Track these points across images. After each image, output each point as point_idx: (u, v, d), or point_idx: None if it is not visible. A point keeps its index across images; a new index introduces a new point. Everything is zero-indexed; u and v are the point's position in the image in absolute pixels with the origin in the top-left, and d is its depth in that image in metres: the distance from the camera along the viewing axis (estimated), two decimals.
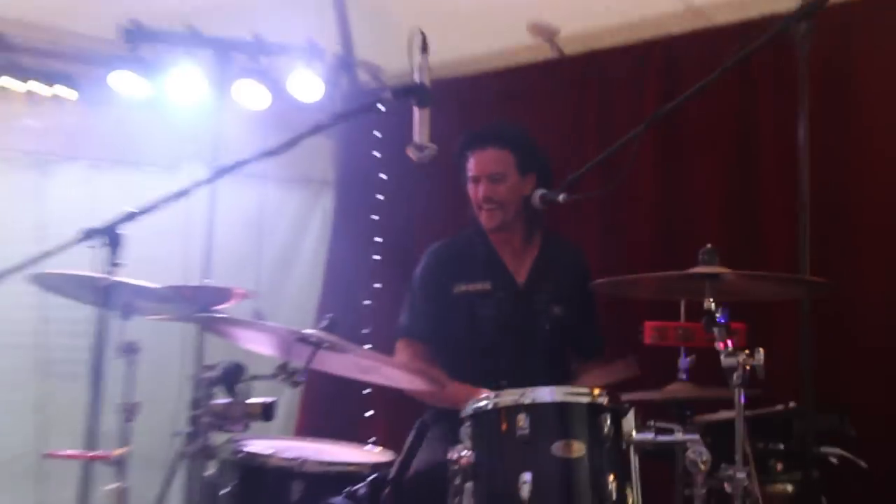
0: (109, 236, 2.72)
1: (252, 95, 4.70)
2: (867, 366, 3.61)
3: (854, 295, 3.54)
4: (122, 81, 4.55)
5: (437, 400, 3.37)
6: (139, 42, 4.52)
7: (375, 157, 5.15)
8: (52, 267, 3.18)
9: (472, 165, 3.56)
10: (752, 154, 3.98)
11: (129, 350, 3.27)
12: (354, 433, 4.49)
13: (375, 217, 5.17)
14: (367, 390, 4.94)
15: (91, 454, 2.51)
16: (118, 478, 3.00)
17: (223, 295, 3.47)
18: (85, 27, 4.67)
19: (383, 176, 5.15)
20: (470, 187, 3.58)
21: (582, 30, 4.51)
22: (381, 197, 5.16)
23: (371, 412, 4.93)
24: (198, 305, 3.37)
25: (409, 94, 2.70)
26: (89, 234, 2.71)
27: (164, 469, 3.72)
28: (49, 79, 4.58)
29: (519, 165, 3.53)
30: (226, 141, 4.68)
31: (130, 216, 2.74)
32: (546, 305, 3.53)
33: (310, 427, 4.80)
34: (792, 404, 3.21)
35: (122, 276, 2.82)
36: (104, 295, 2.68)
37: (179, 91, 4.64)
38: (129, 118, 4.81)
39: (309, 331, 2.72)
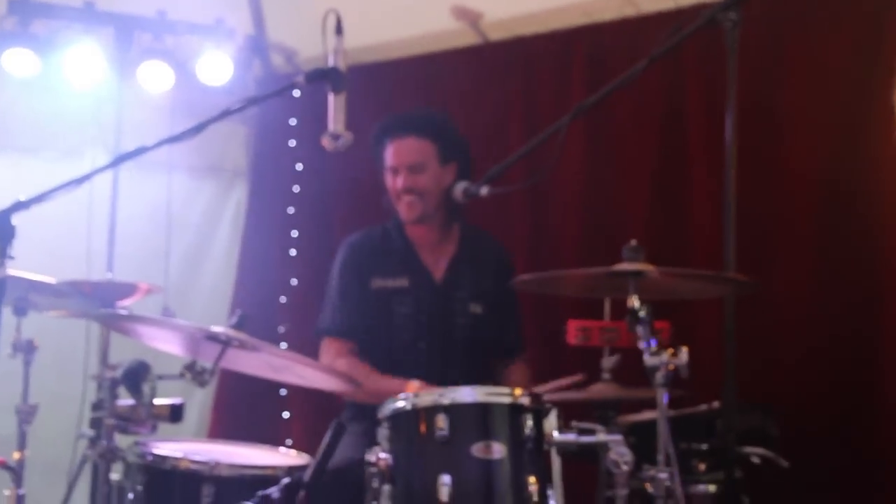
0: None
1: (157, 78, 4.65)
2: (790, 365, 3.76)
3: (778, 293, 3.67)
4: (14, 60, 4.45)
5: (364, 396, 3.34)
6: (30, 17, 4.43)
7: (291, 146, 5.14)
8: None
9: (390, 154, 3.57)
10: (680, 147, 4.09)
11: (26, 349, 3.23)
12: (270, 436, 4.47)
13: (291, 209, 5.16)
14: (283, 391, 4.94)
15: None
16: (15, 484, 2.96)
17: (127, 290, 3.45)
18: None
19: (299, 166, 5.14)
20: (388, 177, 3.59)
21: (507, 15, 4.58)
22: (297, 188, 5.16)
23: (287, 414, 4.94)
24: (100, 301, 3.34)
25: (323, 78, 2.69)
26: None
27: (66, 474, 3.70)
28: None
29: (440, 155, 3.55)
30: (129, 126, 4.63)
31: (22, 205, 2.65)
32: (464, 304, 3.57)
33: (223, 430, 4.78)
34: (715, 404, 3.33)
35: (14, 270, 2.74)
36: None
37: (77, 72, 4.57)
38: (21, 101, 4.73)
39: (217, 328, 2.73)
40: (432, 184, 3.54)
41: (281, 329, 4.96)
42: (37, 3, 4.44)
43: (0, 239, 2.57)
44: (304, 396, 4.81)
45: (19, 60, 4.45)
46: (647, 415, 3.33)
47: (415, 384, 3.26)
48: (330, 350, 3.60)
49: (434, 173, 3.54)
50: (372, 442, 2.71)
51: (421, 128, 3.57)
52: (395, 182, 3.56)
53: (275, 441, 3.57)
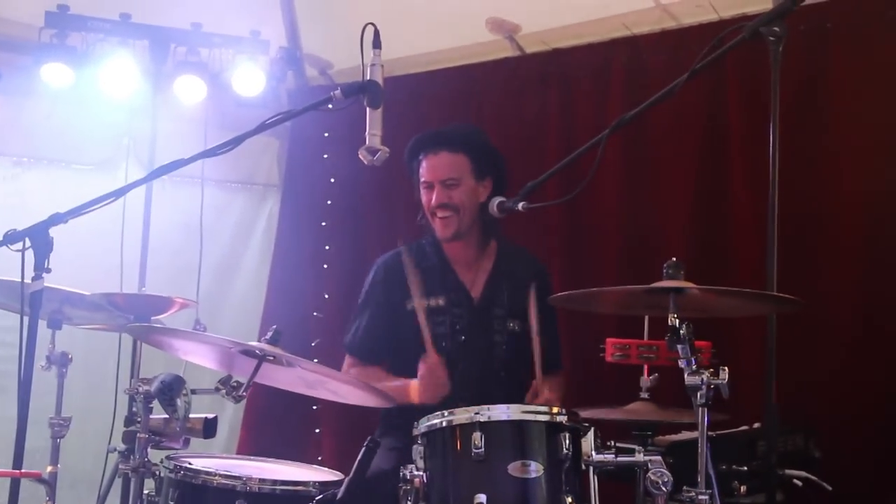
0: (36, 239, 2.64)
1: (191, 90, 4.72)
2: (833, 386, 3.72)
3: (821, 312, 3.63)
4: (50, 72, 4.54)
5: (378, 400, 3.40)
6: (65, 29, 4.52)
7: (324, 159, 5.18)
8: None
9: (424, 169, 3.59)
10: (721, 162, 4.08)
11: (60, 361, 3.28)
12: (301, 452, 4.51)
13: (324, 223, 5.20)
14: (315, 407, 4.97)
15: (19, 472, 2.51)
16: (50, 497, 3.00)
17: (161, 304, 3.49)
18: (10, 12, 4.67)
19: (332, 179, 5.18)
20: (422, 193, 3.60)
21: (544, 27, 4.61)
22: (329, 202, 5.20)
23: (318, 430, 4.96)
24: (133, 314, 3.38)
25: (360, 92, 2.72)
26: (13, 237, 2.64)
27: (96, 489, 3.74)
28: None
29: (475, 170, 3.57)
30: (163, 138, 4.70)
31: (60, 217, 2.70)
32: (503, 321, 3.58)
33: (253, 445, 4.83)
34: (756, 425, 3.32)
35: (50, 283, 2.79)
36: (31, 302, 2.65)
37: (112, 84, 4.65)
38: (58, 112, 4.82)
39: (253, 343, 2.76)
40: (467, 199, 3.55)
41: (314, 343, 4.99)
42: (73, 15, 4.52)
43: (38, 251, 2.64)
44: (335, 412, 4.84)
45: (55, 73, 4.53)
46: (685, 435, 3.32)
47: (413, 384, 3.35)
48: (350, 369, 3.66)
49: (469, 188, 3.56)
50: (404, 455, 2.71)
51: (455, 143, 3.58)
52: (429, 198, 3.57)
53: (305, 457, 3.59)
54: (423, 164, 3.59)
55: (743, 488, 3.15)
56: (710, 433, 2.63)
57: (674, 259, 2.83)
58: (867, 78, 3.82)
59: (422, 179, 3.60)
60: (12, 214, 2.72)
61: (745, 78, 3.93)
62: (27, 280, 2.64)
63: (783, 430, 3.18)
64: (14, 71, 4.64)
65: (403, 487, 2.64)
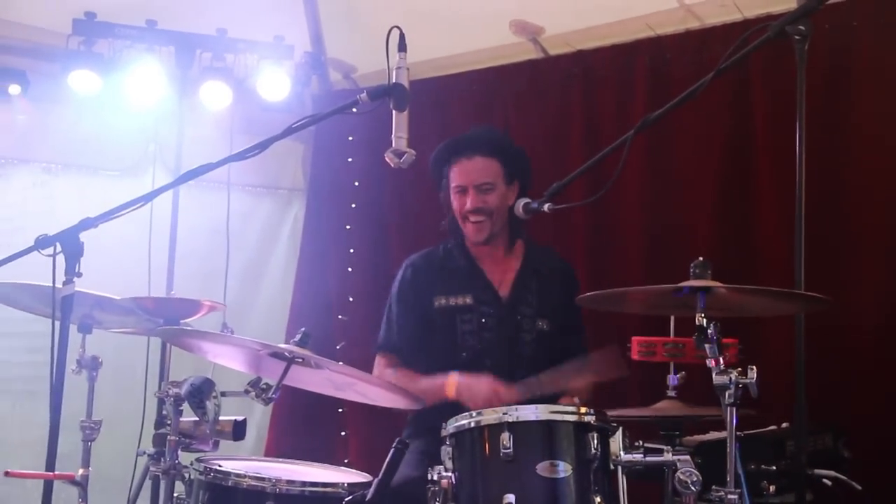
0: (67, 244, 2.67)
1: (216, 95, 4.76)
2: (862, 385, 3.71)
3: (850, 311, 3.63)
4: (78, 79, 4.59)
5: (412, 400, 3.40)
6: (92, 35, 4.57)
7: (349, 162, 5.21)
8: (5, 277, 3.23)
9: (457, 174, 3.59)
10: (747, 162, 4.08)
11: (91, 365, 3.32)
12: (327, 454, 4.54)
13: (349, 226, 5.22)
14: (341, 409, 5.00)
15: (53, 474, 2.54)
16: (83, 499, 3.03)
17: (190, 307, 3.52)
18: (37, 20, 4.72)
19: (357, 183, 5.21)
20: (454, 198, 3.61)
21: (567, 29, 4.62)
22: (354, 205, 5.22)
23: (345, 432, 4.98)
24: (162, 318, 3.41)
25: (386, 95, 2.73)
26: (44, 242, 2.66)
27: (125, 491, 3.78)
28: None
29: (505, 175, 3.57)
30: (189, 144, 4.74)
31: (90, 222, 2.72)
32: (530, 320, 3.58)
33: (280, 448, 4.86)
34: (785, 425, 3.31)
35: (80, 287, 2.80)
36: (62, 307, 2.68)
37: (139, 90, 4.70)
38: (85, 118, 4.87)
39: (282, 345, 2.78)
40: (500, 203, 3.56)
41: (339, 346, 5.01)
42: (100, 22, 4.56)
43: (69, 256, 2.67)
44: (362, 415, 4.86)
45: (83, 80, 4.58)
46: (713, 435, 3.31)
47: (453, 378, 3.33)
48: (379, 364, 3.67)
49: (501, 193, 3.57)
50: (432, 460, 2.72)
51: (489, 148, 3.59)
52: (462, 202, 3.58)
53: (332, 460, 3.61)
54: (455, 168, 3.60)
55: (772, 488, 3.14)
56: (738, 433, 2.63)
57: (701, 258, 2.82)
58: (893, 76, 3.80)
59: (454, 184, 3.60)
60: (41, 221, 2.74)
61: (771, 77, 3.92)
62: (58, 285, 2.67)
63: (812, 430, 3.16)
64: (42, 78, 4.70)
65: (432, 489, 2.66)
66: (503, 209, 3.55)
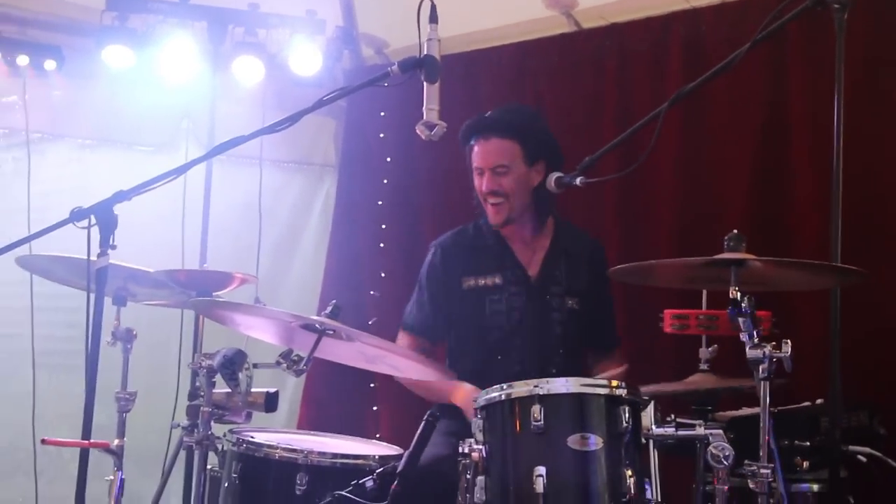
0: (101, 216, 2.67)
1: (249, 70, 4.77)
2: None
3: (886, 287, 3.56)
4: (112, 55, 4.60)
5: (420, 391, 3.53)
6: (126, 11, 4.58)
7: (381, 138, 5.21)
8: (41, 251, 3.27)
9: (475, 155, 3.59)
10: (782, 135, 4.02)
11: (125, 337, 3.35)
12: (359, 429, 4.56)
13: (380, 202, 5.23)
14: (373, 384, 5.02)
15: (88, 442, 2.57)
16: (116, 467, 3.07)
17: (221, 279, 3.55)
18: None
19: (389, 158, 5.21)
20: (475, 178, 3.61)
21: (601, 2, 4.57)
22: (386, 181, 5.22)
23: (376, 407, 5.01)
24: (195, 290, 3.44)
25: (417, 67, 2.72)
26: (79, 215, 2.68)
27: (160, 463, 3.83)
28: (33, 51, 4.63)
29: (526, 156, 3.55)
30: (221, 119, 4.75)
31: (124, 195, 2.73)
32: (561, 299, 3.59)
33: (313, 422, 4.89)
34: (819, 401, 3.28)
35: (115, 260, 2.82)
36: (97, 279, 2.70)
37: (172, 65, 4.70)
38: (119, 94, 4.89)
39: (313, 317, 2.79)
40: (517, 185, 3.55)
41: (371, 321, 5.03)
42: None
43: (104, 228, 2.69)
44: (393, 390, 4.85)
45: (117, 55, 4.60)
46: (746, 411, 3.29)
47: (462, 390, 3.36)
48: (401, 341, 3.70)
49: (519, 174, 3.55)
50: (460, 439, 2.72)
51: (505, 128, 3.56)
52: (480, 183, 3.58)
53: (364, 434, 3.64)
54: (475, 149, 3.59)
55: (806, 464, 3.12)
56: (771, 409, 2.62)
57: (735, 231, 2.80)
58: None
59: (473, 165, 3.61)
60: (76, 196, 2.75)
61: (809, 48, 3.86)
62: (93, 257, 2.69)
63: (847, 406, 3.13)
64: (76, 54, 4.72)
65: (463, 462, 2.67)
66: (523, 191, 3.54)
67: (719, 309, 2.72)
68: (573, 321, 3.58)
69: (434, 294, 3.67)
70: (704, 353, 3.29)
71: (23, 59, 4.62)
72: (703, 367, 3.28)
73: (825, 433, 3.11)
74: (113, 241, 2.71)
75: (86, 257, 2.68)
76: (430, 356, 3.63)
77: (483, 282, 3.60)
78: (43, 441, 2.77)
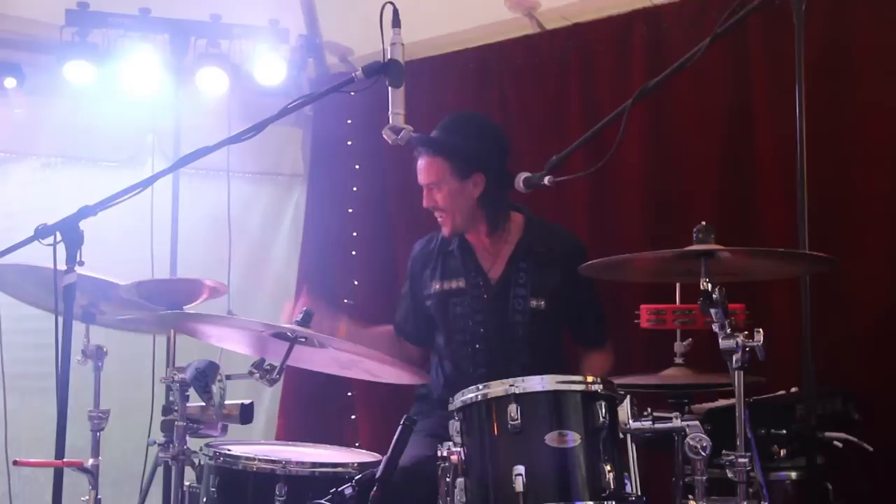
0: (67, 233, 2.66)
1: (213, 82, 4.74)
2: (870, 346, 3.69)
3: (854, 272, 3.60)
4: (73, 70, 4.57)
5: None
6: (86, 26, 4.55)
7: (348, 146, 5.19)
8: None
9: (417, 172, 3.68)
10: (747, 126, 4.04)
11: (96, 355, 3.32)
12: (338, 438, 4.54)
13: (351, 210, 5.22)
14: (350, 393, 5.00)
15: (61, 462, 2.55)
16: (93, 487, 3.04)
17: (192, 289, 3.52)
18: (31, 12, 4.71)
19: (357, 166, 5.20)
20: None
21: (563, 2, 4.58)
22: (355, 188, 5.21)
23: (355, 416, 4.99)
24: (164, 304, 3.42)
25: (381, 72, 2.73)
26: (44, 232, 2.66)
27: (138, 481, 3.80)
28: None
29: (455, 170, 3.58)
30: (187, 132, 4.73)
31: (89, 210, 2.71)
32: (523, 300, 3.60)
33: (290, 433, 4.85)
34: (794, 389, 3.30)
35: (83, 271, 2.76)
36: (65, 296, 2.68)
37: (135, 79, 4.68)
38: (82, 110, 4.86)
39: (284, 325, 2.78)
40: (451, 200, 3.60)
41: None
42: (93, 12, 4.55)
43: (70, 245, 2.67)
44: (371, 398, 4.86)
45: (78, 70, 4.56)
46: (722, 402, 3.31)
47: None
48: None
49: (451, 189, 3.59)
50: (443, 440, 2.73)
51: (431, 146, 3.61)
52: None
53: (343, 444, 3.64)
54: (417, 166, 3.67)
55: (782, 452, 3.14)
56: (747, 399, 2.64)
57: (703, 223, 2.82)
58: (894, 37, 3.77)
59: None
60: (43, 216, 2.73)
61: (770, 40, 3.88)
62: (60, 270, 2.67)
63: (821, 393, 3.15)
64: (37, 70, 4.70)
65: (442, 465, 2.67)
66: (461, 204, 3.60)
67: (694, 300, 2.74)
68: (538, 321, 3.60)
69: (411, 295, 3.84)
70: (679, 346, 3.30)
71: None
72: (679, 360, 3.29)
73: (801, 421, 3.13)
74: (80, 257, 2.69)
75: (51, 267, 2.66)
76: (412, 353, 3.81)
77: (448, 286, 3.69)
78: (15, 462, 2.74)
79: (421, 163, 3.63)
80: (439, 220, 3.66)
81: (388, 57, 2.75)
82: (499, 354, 3.58)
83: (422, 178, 3.63)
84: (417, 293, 3.79)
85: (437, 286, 3.70)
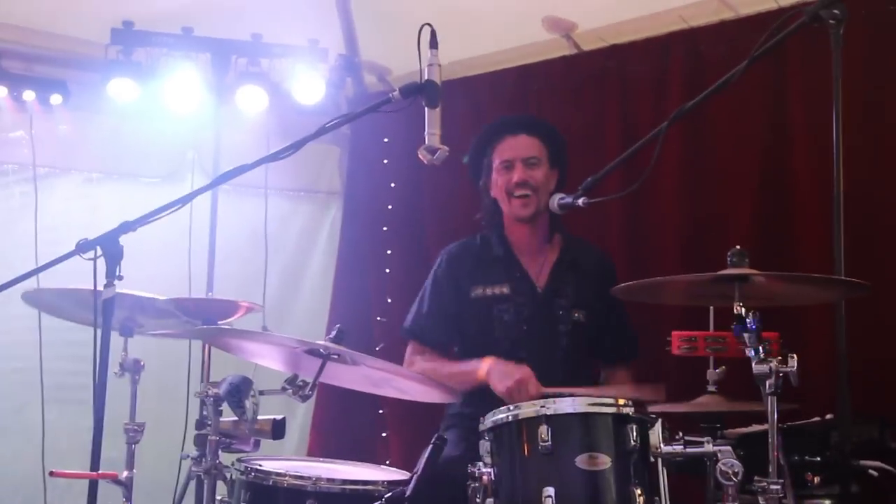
0: (107, 247, 2.70)
1: (253, 100, 4.80)
2: None
3: (890, 297, 3.55)
4: (117, 88, 4.65)
5: (446, 381, 3.35)
6: (130, 45, 4.63)
7: (384, 164, 5.22)
8: (49, 284, 3.29)
9: (503, 149, 3.62)
10: (783, 149, 4.02)
11: (133, 368, 3.35)
12: (369, 455, 4.55)
13: (385, 228, 5.24)
14: (382, 410, 5.01)
15: (96, 473, 2.57)
16: (126, 499, 3.07)
17: (228, 308, 3.56)
18: (77, 31, 4.80)
19: (393, 184, 5.22)
20: (498, 175, 3.62)
21: (601, 24, 4.59)
22: (390, 206, 5.24)
23: (386, 433, 5.00)
24: (201, 319, 3.45)
25: (418, 92, 2.75)
26: (85, 246, 2.70)
27: (170, 494, 3.82)
28: (39, 86, 4.70)
29: (550, 157, 3.63)
30: (226, 149, 4.79)
31: (129, 226, 2.75)
32: (567, 311, 3.58)
33: (322, 449, 4.89)
34: (829, 416, 3.26)
35: (122, 289, 2.80)
36: (104, 310, 2.71)
37: (177, 97, 4.74)
38: (124, 126, 4.94)
39: (318, 341, 2.79)
40: (544, 181, 3.60)
41: (378, 347, 5.02)
42: (138, 31, 4.62)
43: (110, 259, 2.71)
44: (402, 416, 4.87)
45: (122, 88, 4.64)
46: (756, 428, 3.27)
47: (488, 360, 3.35)
48: (408, 352, 3.71)
49: (545, 172, 3.61)
50: (470, 445, 2.72)
51: (534, 128, 3.66)
52: (508, 177, 3.60)
53: (373, 461, 3.63)
54: (501, 145, 3.64)
55: (816, 479, 3.10)
56: (781, 424, 2.61)
57: (737, 247, 2.81)
58: None
59: (499, 160, 3.63)
60: (84, 230, 2.76)
61: (807, 64, 3.87)
62: (99, 288, 2.70)
63: (856, 421, 3.10)
64: (81, 88, 4.78)
65: (472, 485, 2.66)
66: (546, 191, 3.56)
67: (728, 329, 2.71)
68: (579, 333, 3.58)
69: (438, 300, 3.68)
70: (712, 374, 3.26)
71: (29, 95, 4.69)
72: (711, 388, 3.25)
73: (835, 448, 3.09)
74: (119, 271, 2.72)
75: (91, 288, 2.69)
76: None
77: (491, 291, 3.60)
78: (51, 473, 2.78)
79: (519, 140, 3.62)
80: (520, 200, 3.56)
81: (425, 77, 2.77)
82: (542, 365, 3.47)
83: (521, 152, 3.59)
84: (454, 296, 3.65)
85: (478, 291, 3.61)
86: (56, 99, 4.71)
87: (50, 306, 3.68)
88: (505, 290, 3.59)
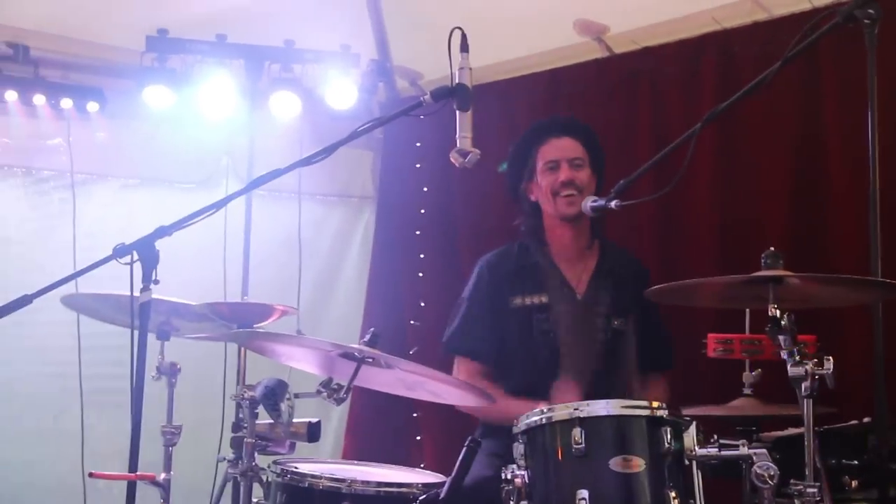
0: (143, 252, 2.71)
1: (286, 106, 4.83)
2: None
3: None
4: (152, 95, 4.71)
5: (496, 417, 3.36)
6: (165, 52, 4.68)
7: (417, 169, 5.24)
8: (87, 288, 3.33)
9: (548, 151, 3.65)
10: (818, 150, 3.99)
11: (170, 372, 3.39)
12: (403, 458, 4.56)
13: (418, 232, 5.26)
14: (416, 414, 5.02)
15: (134, 475, 2.60)
16: (163, 500, 3.09)
17: (263, 312, 3.58)
18: (113, 39, 4.86)
19: (426, 188, 5.24)
20: (543, 176, 3.64)
21: (632, 26, 4.58)
22: (423, 211, 5.25)
23: (420, 437, 5.01)
24: (237, 323, 3.48)
25: (449, 96, 2.75)
26: (122, 251, 2.71)
27: (209, 494, 3.85)
28: (76, 94, 4.77)
29: (590, 160, 3.67)
30: (260, 155, 4.83)
31: (165, 230, 2.77)
32: (607, 318, 3.58)
33: (357, 452, 4.91)
34: (866, 419, 3.23)
35: (158, 294, 2.84)
36: (140, 314, 2.74)
37: (211, 103, 4.79)
38: (160, 133, 5.00)
39: (352, 345, 2.81)
40: (588, 183, 3.63)
41: (412, 351, 5.03)
42: (172, 38, 4.67)
43: (146, 264, 2.73)
44: (437, 419, 4.88)
45: (157, 95, 4.69)
46: (792, 431, 3.24)
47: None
48: (463, 371, 3.66)
49: (589, 174, 3.65)
50: (506, 460, 2.73)
51: (578, 131, 3.70)
52: (553, 178, 3.61)
53: (408, 464, 3.63)
54: (545, 147, 3.67)
55: (854, 483, 3.06)
56: (817, 428, 2.58)
57: (771, 248, 2.79)
58: None
59: (544, 160, 3.65)
60: (121, 235, 2.79)
61: (841, 64, 3.83)
62: (136, 293, 2.73)
63: (894, 424, 3.07)
64: (118, 95, 4.84)
65: (506, 488, 2.66)
66: (589, 193, 3.55)
67: (764, 329, 2.70)
68: (618, 341, 3.58)
69: (480, 313, 3.67)
70: (748, 377, 3.24)
71: (66, 102, 4.75)
72: (747, 391, 3.23)
73: (873, 451, 3.06)
74: (156, 276, 2.75)
75: (128, 293, 2.73)
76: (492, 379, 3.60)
77: (530, 300, 3.60)
78: (90, 474, 2.81)
79: (564, 142, 3.66)
80: (566, 199, 3.57)
81: (456, 81, 2.77)
82: (583, 373, 3.48)
83: (569, 154, 3.63)
84: (494, 307, 3.63)
85: (518, 301, 3.61)
86: (93, 106, 4.77)
87: (88, 309, 3.73)
88: (544, 299, 3.60)
